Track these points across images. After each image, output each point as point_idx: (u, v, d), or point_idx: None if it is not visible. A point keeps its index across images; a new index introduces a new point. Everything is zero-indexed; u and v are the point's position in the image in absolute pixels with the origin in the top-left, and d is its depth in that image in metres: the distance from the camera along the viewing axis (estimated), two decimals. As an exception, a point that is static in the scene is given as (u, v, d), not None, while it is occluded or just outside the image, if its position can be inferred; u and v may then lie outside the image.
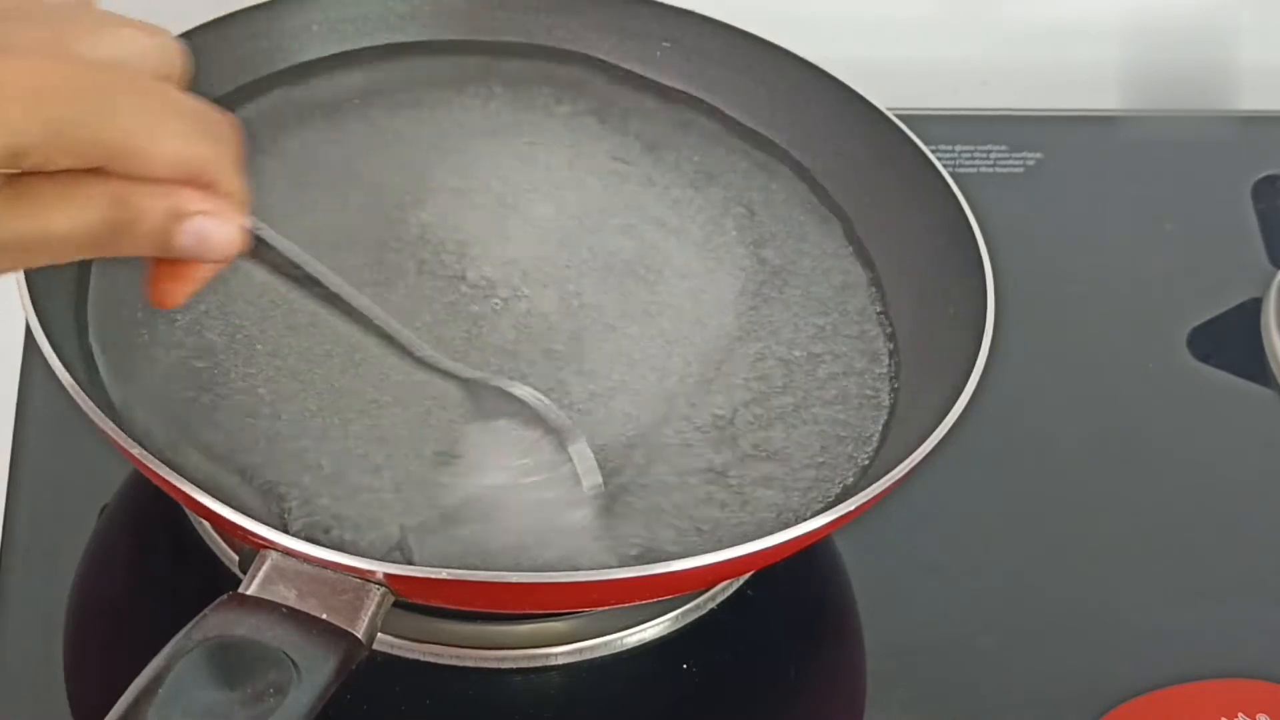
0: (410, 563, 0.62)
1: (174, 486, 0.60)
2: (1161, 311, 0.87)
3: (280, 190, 0.75)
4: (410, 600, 0.60)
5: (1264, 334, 0.86)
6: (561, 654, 0.69)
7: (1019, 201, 0.91)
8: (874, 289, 0.76)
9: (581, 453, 0.64)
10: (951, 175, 0.75)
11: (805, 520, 0.63)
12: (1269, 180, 0.94)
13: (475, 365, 0.68)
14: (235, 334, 0.70)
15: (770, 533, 0.62)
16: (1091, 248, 0.90)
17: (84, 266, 0.70)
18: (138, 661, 0.54)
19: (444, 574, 0.59)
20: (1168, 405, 0.83)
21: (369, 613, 0.57)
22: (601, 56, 0.83)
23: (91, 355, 0.68)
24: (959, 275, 0.72)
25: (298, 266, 0.58)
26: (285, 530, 0.59)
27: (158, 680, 0.53)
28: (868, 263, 0.77)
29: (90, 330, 0.69)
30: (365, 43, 0.81)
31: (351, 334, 0.62)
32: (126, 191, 0.50)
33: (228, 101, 0.77)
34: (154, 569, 0.72)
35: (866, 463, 0.69)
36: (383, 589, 0.58)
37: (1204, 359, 0.85)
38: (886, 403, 0.72)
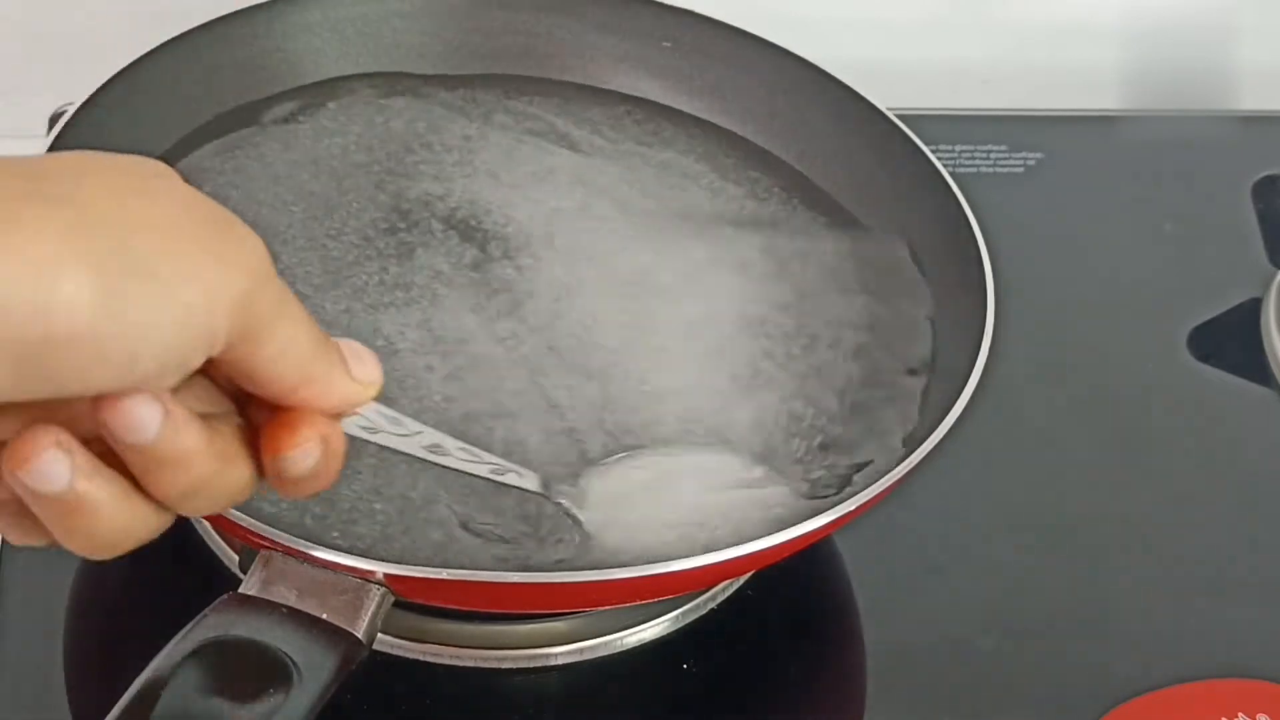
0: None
1: (174, 486, 0.60)
2: (1161, 311, 0.87)
3: (286, 183, 0.76)
4: (410, 600, 0.60)
5: (1264, 334, 0.86)
6: (561, 654, 0.69)
7: (1019, 201, 0.91)
8: (874, 289, 0.76)
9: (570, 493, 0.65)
10: (951, 175, 0.75)
11: (805, 520, 0.63)
12: (1269, 180, 0.94)
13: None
14: None
15: (770, 533, 0.62)
16: (1091, 248, 0.90)
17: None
18: (138, 661, 0.54)
19: (444, 574, 0.59)
20: (1168, 405, 0.83)
21: (369, 613, 0.57)
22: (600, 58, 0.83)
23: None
24: (959, 275, 0.72)
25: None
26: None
27: (158, 680, 0.53)
28: (867, 263, 0.77)
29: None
30: (366, 42, 0.81)
31: None
32: None
33: (227, 103, 0.77)
34: (154, 569, 0.72)
35: (866, 462, 0.69)
36: (383, 589, 0.58)
37: (1204, 359, 0.85)
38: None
